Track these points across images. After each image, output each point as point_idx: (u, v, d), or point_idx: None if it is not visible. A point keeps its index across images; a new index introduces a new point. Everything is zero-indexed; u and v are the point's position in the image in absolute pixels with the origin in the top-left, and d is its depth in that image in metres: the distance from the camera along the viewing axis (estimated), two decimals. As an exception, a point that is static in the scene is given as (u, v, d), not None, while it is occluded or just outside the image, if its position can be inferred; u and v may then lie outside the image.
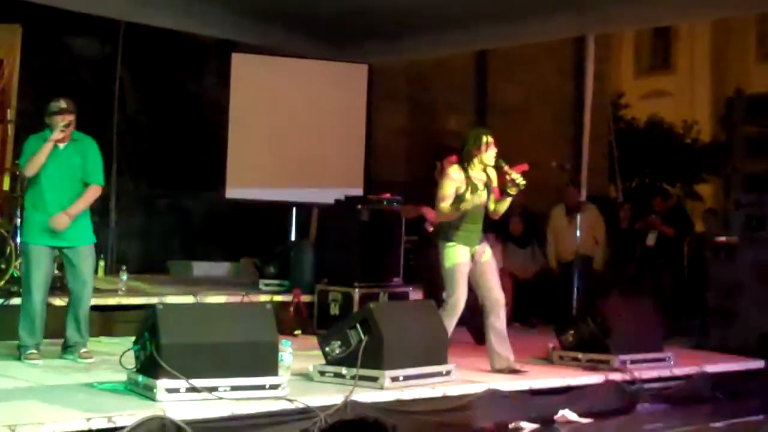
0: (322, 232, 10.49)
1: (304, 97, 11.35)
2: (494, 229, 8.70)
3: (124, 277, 8.86)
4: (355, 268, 8.99)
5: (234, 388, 5.47)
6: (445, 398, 6.17)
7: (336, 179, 10.92)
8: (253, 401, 5.42)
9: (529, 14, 10.47)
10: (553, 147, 12.65)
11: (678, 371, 7.58)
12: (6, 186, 9.80)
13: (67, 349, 6.95)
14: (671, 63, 28.96)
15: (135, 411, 5.03)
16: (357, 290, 8.85)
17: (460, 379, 6.52)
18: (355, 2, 10.21)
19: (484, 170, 6.97)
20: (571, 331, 7.63)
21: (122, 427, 4.84)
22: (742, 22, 24.86)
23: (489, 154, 6.90)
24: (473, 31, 10.94)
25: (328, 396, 5.66)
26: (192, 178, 12.30)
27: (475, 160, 6.91)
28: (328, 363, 6.27)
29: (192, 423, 5.04)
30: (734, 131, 22.10)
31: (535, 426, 6.36)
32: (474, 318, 7.41)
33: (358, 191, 10.55)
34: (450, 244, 6.90)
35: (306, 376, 6.30)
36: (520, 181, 6.74)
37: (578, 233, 9.97)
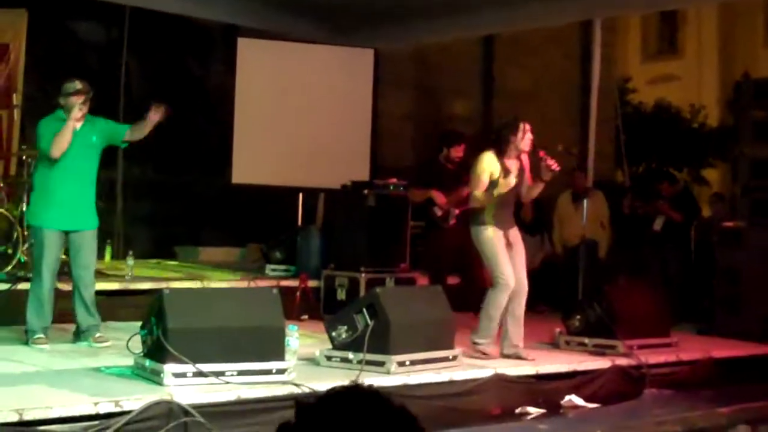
0: (328, 217, 10.50)
1: (310, 81, 11.32)
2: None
3: (131, 261, 8.88)
4: (362, 253, 8.99)
5: (241, 373, 5.48)
6: (451, 383, 6.19)
7: (342, 164, 10.90)
8: (259, 386, 5.43)
9: (536, -2, 10.43)
10: (559, 132, 12.57)
11: (684, 356, 7.59)
12: (12, 171, 9.83)
13: (80, 334, 6.94)
14: (678, 47, 28.83)
15: (142, 395, 5.05)
16: (363, 275, 8.85)
17: (467, 364, 6.53)
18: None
19: (518, 157, 7.02)
20: (578, 316, 7.64)
21: (129, 411, 4.86)
22: (750, 5, 24.74)
23: (525, 141, 6.94)
24: (480, 15, 10.90)
25: (334, 381, 5.66)
26: (198, 164, 12.29)
27: (511, 147, 6.94)
28: (335, 348, 6.28)
29: (199, 407, 5.05)
30: (742, 116, 22.07)
31: (541, 411, 6.37)
32: (481, 302, 7.41)
33: (365, 176, 10.53)
34: (484, 227, 6.96)
35: (312, 361, 6.31)
36: (555, 167, 6.83)
37: (584, 218, 9.96)
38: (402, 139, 13.46)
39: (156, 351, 5.49)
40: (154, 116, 6.93)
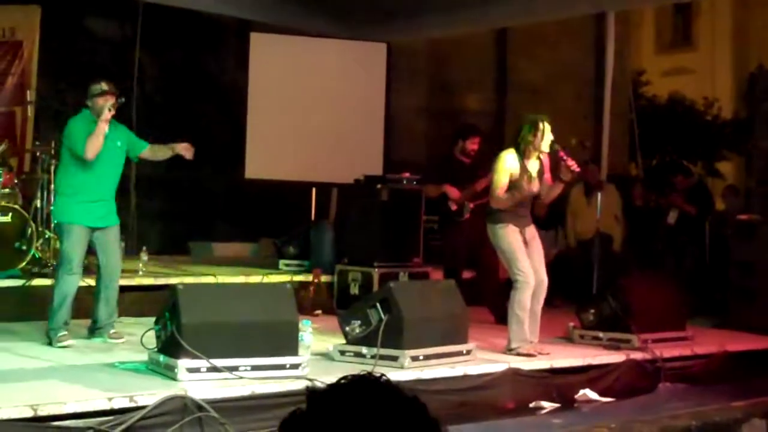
0: (341, 211, 10.49)
1: (322, 76, 11.32)
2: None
3: (145, 257, 8.89)
4: (375, 248, 8.98)
5: (254, 368, 5.49)
6: (465, 377, 6.18)
7: (355, 159, 10.89)
8: (273, 381, 5.43)
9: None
10: (573, 125, 12.55)
11: (699, 350, 7.56)
12: (27, 167, 9.85)
13: (96, 330, 6.95)
14: (692, 40, 28.68)
15: (156, 390, 5.06)
16: (377, 270, 8.84)
17: (481, 359, 6.52)
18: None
19: (538, 157, 6.98)
20: (592, 310, 7.61)
21: (144, 407, 4.87)
22: (764, -3, 24.59)
23: (545, 141, 6.90)
24: (493, 8, 10.87)
25: (348, 375, 5.65)
26: (211, 159, 12.28)
27: (530, 147, 6.90)
28: (349, 342, 6.28)
29: (213, 402, 5.06)
30: (756, 108, 21.91)
31: (555, 405, 6.36)
32: (495, 297, 7.41)
33: (378, 171, 10.52)
34: (501, 225, 6.94)
35: (326, 356, 6.32)
36: (575, 167, 6.83)
37: (598, 212, 9.93)
38: (415, 133, 13.45)
39: (170, 346, 5.50)
40: (183, 152, 7.12)
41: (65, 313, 6.75)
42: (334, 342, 6.40)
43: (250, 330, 5.61)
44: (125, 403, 4.88)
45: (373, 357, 6.04)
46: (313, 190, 11.19)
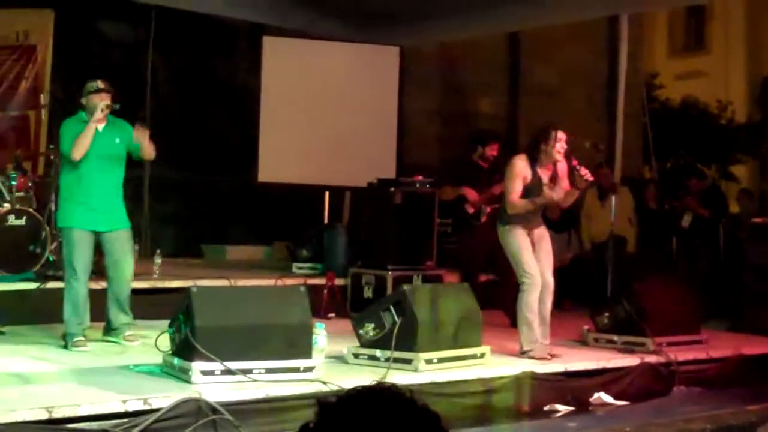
0: (354, 215, 10.48)
1: (335, 80, 11.32)
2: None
3: (159, 260, 8.90)
4: (389, 251, 8.98)
5: (268, 371, 5.48)
6: (479, 380, 6.16)
7: (368, 162, 10.89)
8: (287, 383, 5.43)
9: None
10: (586, 128, 12.51)
11: (714, 353, 7.52)
12: (41, 171, 9.88)
13: (111, 332, 6.92)
14: (705, 42, 28.61)
15: (170, 393, 5.06)
16: (390, 273, 8.83)
17: (495, 362, 6.51)
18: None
19: (553, 164, 6.96)
20: (606, 313, 7.59)
21: (158, 409, 4.87)
22: (778, 0, 24.52)
23: (557, 150, 6.88)
24: (505, 11, 10.86)
25: (362, 378, 5.65)
26: (224, 162, 12.31)
27: (542, 155, 6.90)
28: (362, 345, 6.27)
29: (227, 405, 5.06)
30: (770, 112, 21.89)
31: (570, 408, 6.34)
32: (511, 300, 7.39)
33: (391, 174, 10.51)
34: (509, 227, 6.96)
35: (340, 359, 6.31)
36: (589, 177, 6.86)
37: (612, 214, 9.91)
38: (428, 137, 13.44)
39: (184, 349, 5.50)
40: (138, 137, 6.84)
41: (80, 317, 6.73)
42: (347, 345, 6.39)
43: (264, 333, 5.61)
44: (139, 406, 4.89)
45: (386, 360, 6.03)
46: (326, 193, 11.20)
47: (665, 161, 19.34)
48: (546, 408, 6.31)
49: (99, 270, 7.15)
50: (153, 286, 8.39)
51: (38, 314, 7.57)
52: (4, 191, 8.29)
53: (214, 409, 4.99)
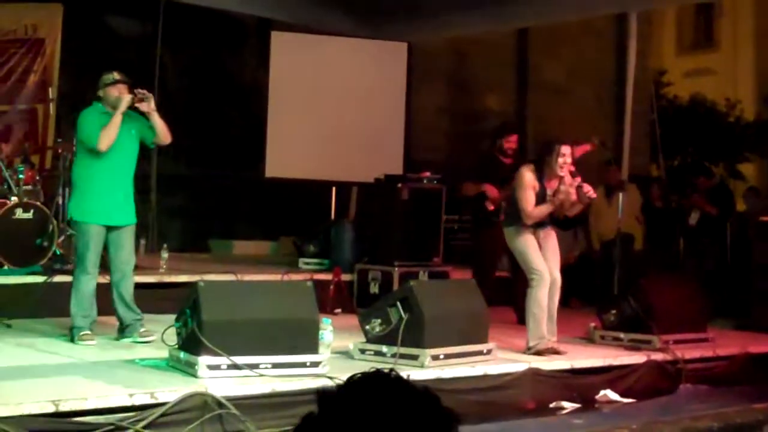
0: (361, 211, 10.49)
1: (343, 75, 11.32)
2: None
3: (166, 255, 8.91)
4: (395, 247, 8.98)
5: (275, 366, 5.49)
6: (485, 377, 6.16)
7: (376, 158, 10.89)
8: (293, 378, 5.43)
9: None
10: (594, 125, 12.51)
11: (721, 351, 7.51)
12: (48, 164, 9.90)
13: (124, 330, 6.81)
14: (714, 40, 28.53)
15: (177, 387, 5.07)
16: (397, 269, 8.84)
17: (501, 358, 6.50)
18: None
19: (558, 176, 6.97)
20: (613, 311, 7.58)
21: (164, 403, 4.87)
22: (787, -2, 24.47)
23: (560, 163, 6.88)
24: (514, 8, 10.83)
25: (368, 374, 5.64)
26: (232, 157, 12.32)
27: (547, 169, 6.92)
28: (369, 341, 6.28)
29: (233, 399, 5.06)
30: (778, 110, 21.84)
31: (576, 405, 6.34)
32: (521, 298, 7.38)
33: (398, 170, 10.51)
34: (514, 227, 7.01)
35: (346, 354, 6.31)
36: (592, 194, 6.95)
37: (620, 212, 9.89)
38: (436, 133, 13.43)
39: (191, 343, 5.50)
40: (143, 107, 6.73)
41: (87, 311, 6.71)
42: (354, 340, 6.39)
43: (270, 328, 5.61)
44: (146, 400, 4.89)
45: (393, 356, 6.03)
46: (333, 189, 11.20)
47: (673, 159, 19.32)
48: (552, 405, 6.30)
49: (104, 264, 7.14)
50: (160, 281, 8.40)
51: (45, 308, 7.57)
52: (12, 184, 8.30)
53: (220, 404, 5.00)
